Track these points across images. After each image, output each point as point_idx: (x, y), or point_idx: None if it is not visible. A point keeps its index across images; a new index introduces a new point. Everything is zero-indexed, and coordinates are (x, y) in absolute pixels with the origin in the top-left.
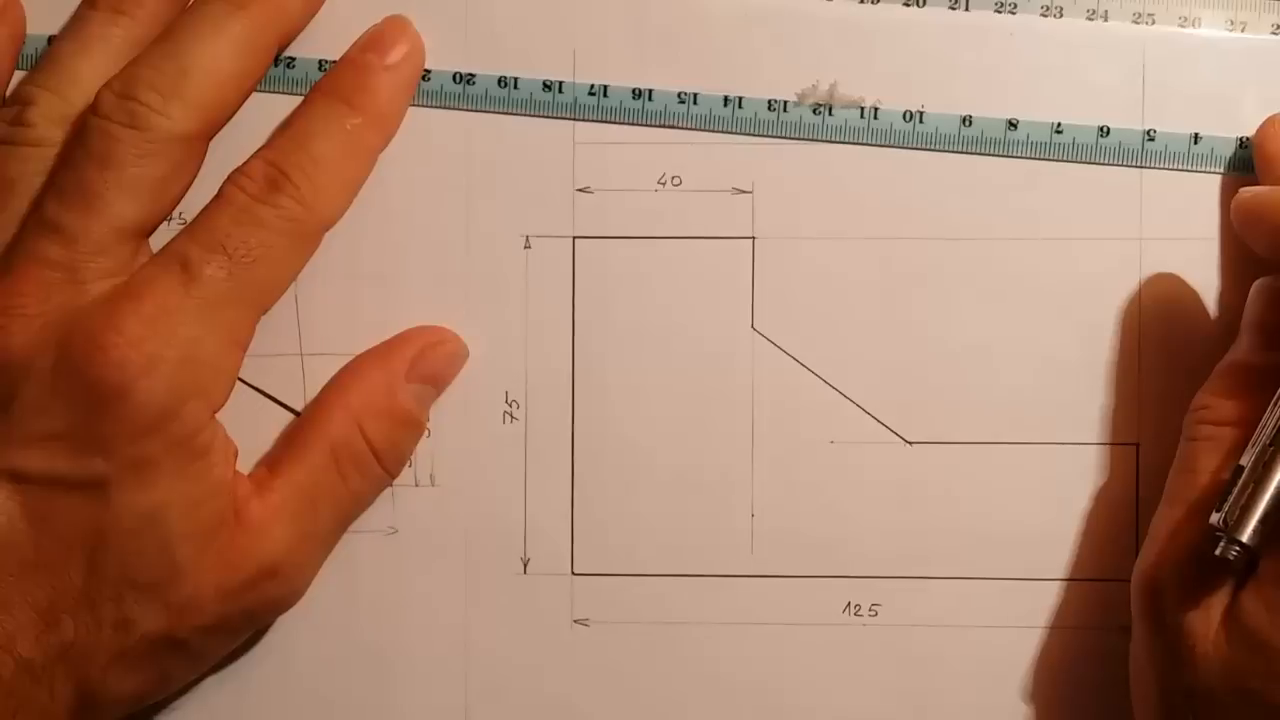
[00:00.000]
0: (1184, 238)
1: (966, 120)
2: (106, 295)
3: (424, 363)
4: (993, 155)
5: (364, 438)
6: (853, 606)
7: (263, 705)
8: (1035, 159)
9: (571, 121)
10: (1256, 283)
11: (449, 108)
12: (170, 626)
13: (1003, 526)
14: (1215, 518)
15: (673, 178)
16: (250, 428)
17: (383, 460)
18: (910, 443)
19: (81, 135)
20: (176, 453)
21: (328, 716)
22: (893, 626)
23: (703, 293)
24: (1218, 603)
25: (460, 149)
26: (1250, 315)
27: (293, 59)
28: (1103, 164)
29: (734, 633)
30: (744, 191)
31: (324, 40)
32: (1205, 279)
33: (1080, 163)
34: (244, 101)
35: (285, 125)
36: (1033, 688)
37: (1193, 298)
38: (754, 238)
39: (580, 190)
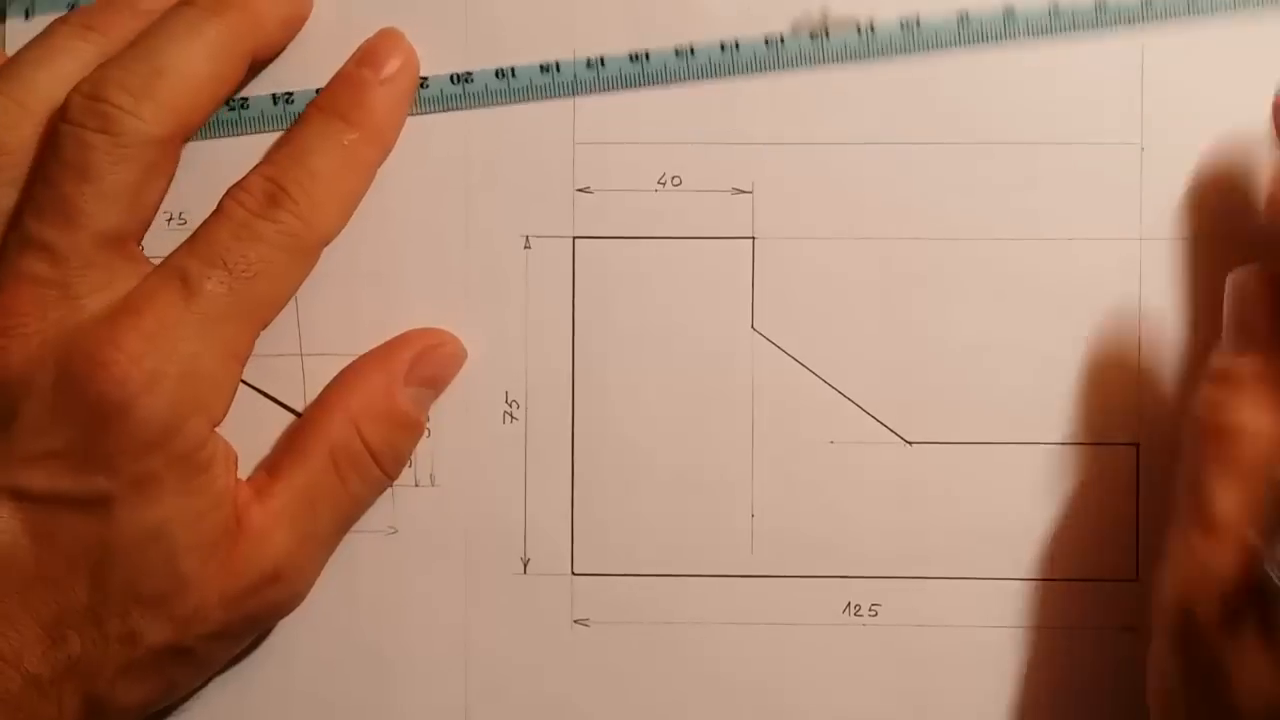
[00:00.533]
0: (1184, 238)
1: (963, 18)
2: (104, 310)
3: (423, 365)
4: (995, 43)
5: (362, 440)
6: (853, 606)
7: (263, 705)
8: (1036, 37)
9: (571, 121)
10: (1229, 277)
11: (450, 109)
12: (176, 637)
13: (1003, 526)
14: (1269, 560)
15: (673, 178)
16: (251, 429)
17: (381, 463)
18: (910, 443)
19: (54, 145)
20: (179, 468)
21: (328, 716)
22: (893, 626)
23: (703, 293)
24: (1261, 632)
25: (459, 149)
26: (1231, 314)
27: (290, 94)
28: (1103, 27)
29: (734, 633)
30: (744, 191)
31: (321, 72)
32: (1205, 279)
33: (1082, 32)
34: (217, 108)
35: (282, 142)
36: (1033, 688)
37: (1193, 297)
38: (754, 238)
39: (580, 190)
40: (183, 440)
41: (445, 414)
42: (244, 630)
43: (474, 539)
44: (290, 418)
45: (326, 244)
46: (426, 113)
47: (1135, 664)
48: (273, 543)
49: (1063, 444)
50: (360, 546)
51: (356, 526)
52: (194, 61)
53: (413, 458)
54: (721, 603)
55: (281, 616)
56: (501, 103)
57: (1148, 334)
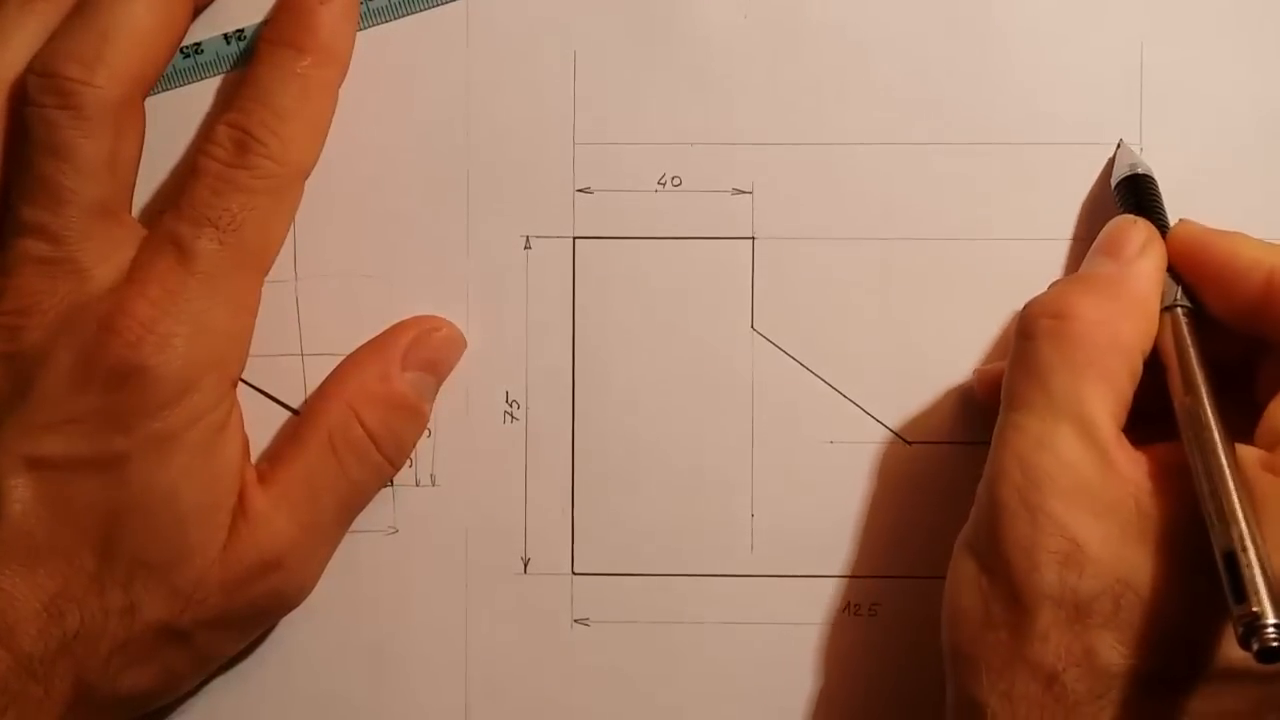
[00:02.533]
0: None
1: None
2: (111, 277)
3: (419, 349)
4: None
5: (361, 425)
6: (853, 606)
7: (263, 704)
8: None
9: (571, 122)
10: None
11: (397, 17)
12: (173, 615)
13: None
14: (1243, 610)
15: (673, 178)
16: (251, 428)
17: (381, 447)
18: (910, 443)
19: (26, 129)
20: (196, 427)
21: (328, 715)
22: (893, 626)
23: (703, 293)
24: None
25: (460, 149)
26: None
27: (241, 31)
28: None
29: (734, 633)
30: (744, 192)
31: (265, 2)
32: None
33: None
34: (171, 58)
35: (241, 84)
36: None
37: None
38: (754, 238)
39: (580, 190)
40: (201, 396)
41: (445, 413)
42: (245, 620)
43: (474, 539)
44: (292, 417)
45: (306, 175)
46: (375, 25)
47: None
48: (274, 529)
49: None
50: (361, 546)
51: (357, 526)
52: (137, 17)
53: (413, 457)
54: (721, 603)
55: (285, 610)
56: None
57: None
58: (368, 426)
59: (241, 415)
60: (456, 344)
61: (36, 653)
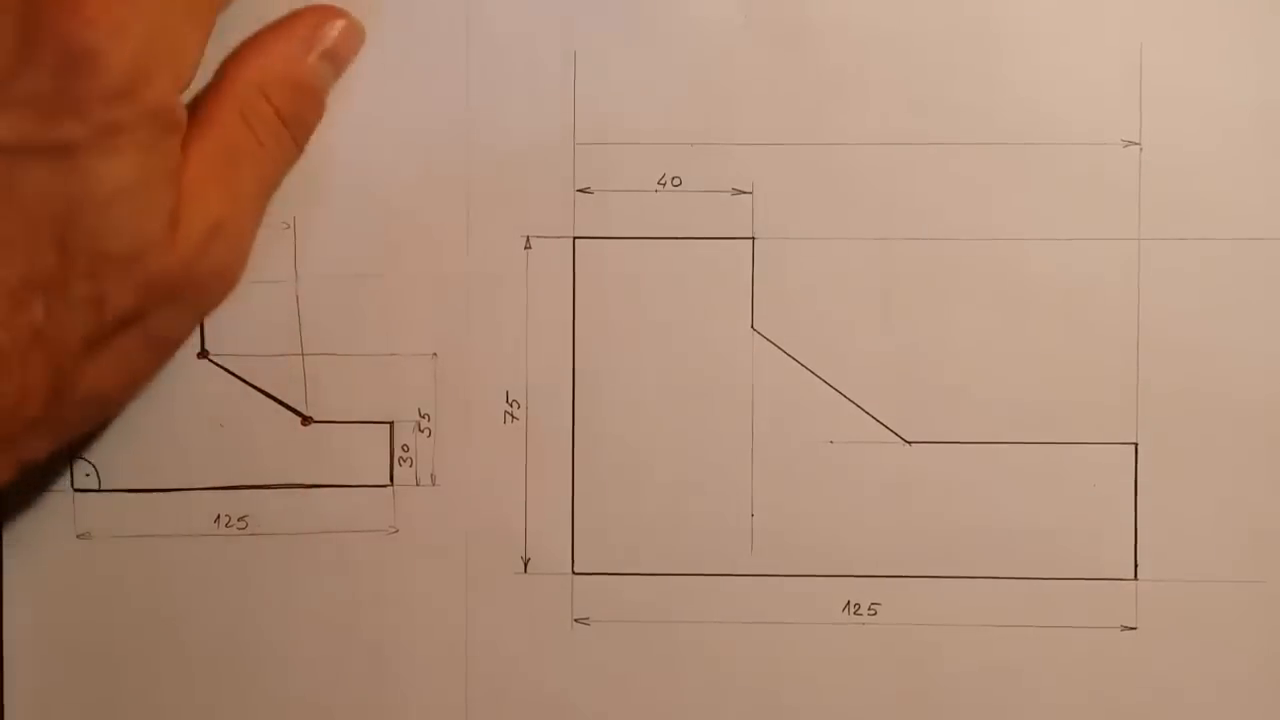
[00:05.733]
0: (1184, 238)
1: None
2: None
3: (323, 37)
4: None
5: (269, 103)
6: (852, 606)
7: (263, 705)
8: None
9: (571, 121)
10: None
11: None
12: (139, 302)
13: (1003, 526)
14: None
15: (673, 178)
16: (250, 427)
17: (289, 125)
18: (910, 443)
19: None
20: (149, 123)
21: (328, 716)
22: (893, 626)
23: (703, 293)
24: None
25: (460, 149)
26: None
27: None
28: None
29: (734, 632)
30: (744, 192)
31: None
32: (1205, 279)
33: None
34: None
35: None
36: (1033, 688)
37: (1192, 298)
38: (754, 238)
39: (580, 190)
40: (152, 94)
41: (445, 414)
42: (196, 298)
43: (474, 539)
44: (293, 419)
45: None
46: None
47: (1135, 664)
48: (209, 197)
49: (1062, 444)
50: (360, 546)
51: (356, 526)
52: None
53: (413, 457)
54: (721, 602)
55: (228, 287)
56: None
57: (1146, 334)
58: (279, 108)
59: (185, 124)
60: (358, 33)
61: (5, 342)
